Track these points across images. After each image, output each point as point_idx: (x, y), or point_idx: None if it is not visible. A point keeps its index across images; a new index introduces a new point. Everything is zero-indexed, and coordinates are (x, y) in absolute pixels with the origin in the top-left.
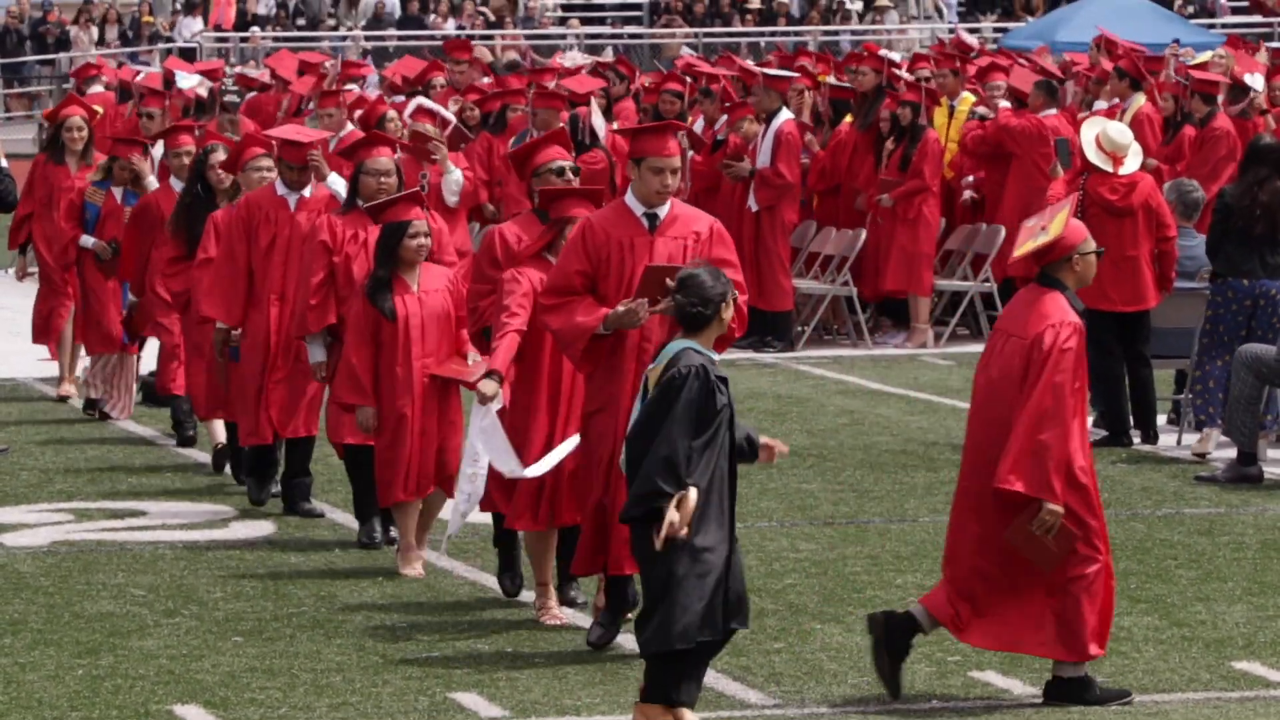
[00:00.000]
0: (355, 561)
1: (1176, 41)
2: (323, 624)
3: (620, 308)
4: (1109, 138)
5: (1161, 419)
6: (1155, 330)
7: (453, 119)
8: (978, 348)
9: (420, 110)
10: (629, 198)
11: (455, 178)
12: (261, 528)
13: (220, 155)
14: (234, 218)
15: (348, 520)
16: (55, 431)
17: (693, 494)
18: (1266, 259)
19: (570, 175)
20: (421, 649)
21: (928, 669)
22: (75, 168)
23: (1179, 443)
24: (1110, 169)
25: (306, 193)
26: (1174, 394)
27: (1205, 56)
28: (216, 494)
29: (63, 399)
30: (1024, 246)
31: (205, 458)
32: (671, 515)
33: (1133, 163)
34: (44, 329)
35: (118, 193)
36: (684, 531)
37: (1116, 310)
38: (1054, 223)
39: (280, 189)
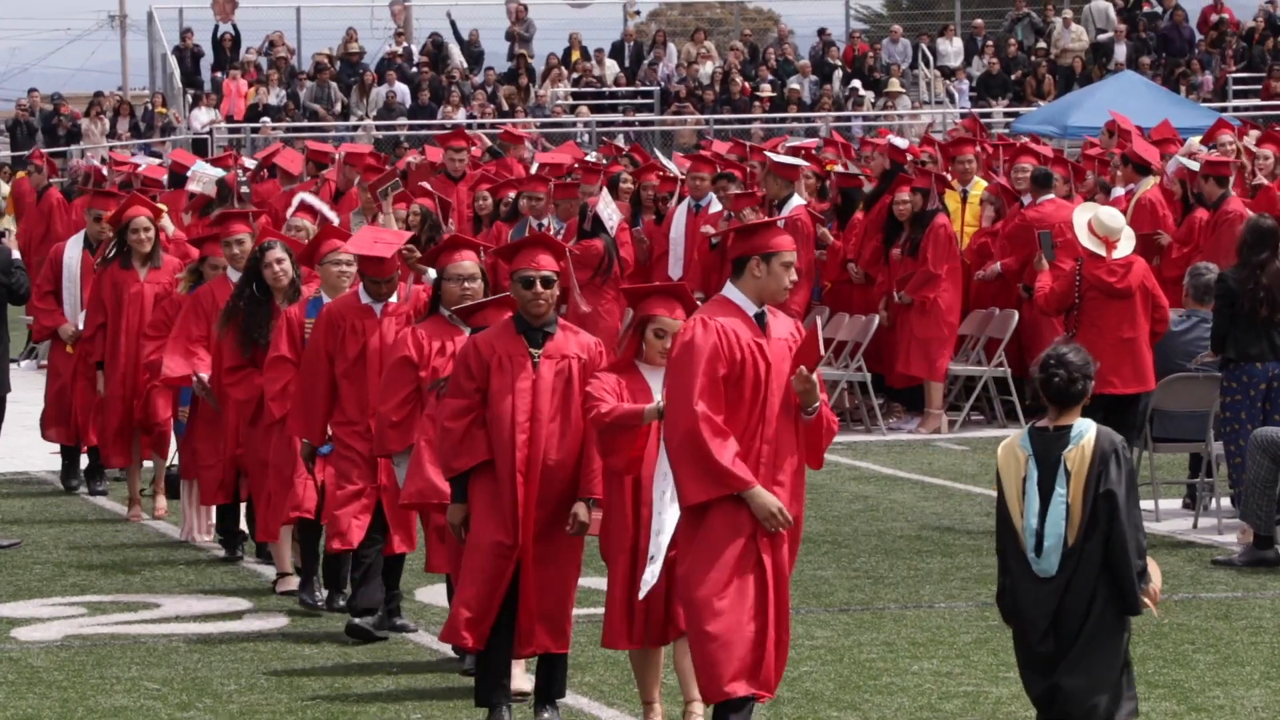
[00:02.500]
0: (369, 654)
1: (1244, 124)
2: (337, 717)
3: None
4: (1101, 222)
5: (1176, 503)
6: (1167, 413)
7: (334, 218)
8: (992, 433)
9: (302, 206)
10: (736, 295)
11: None
12: (275, 620)
13: (278, 252)
14: (317, 326)
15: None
16: (68, 525)
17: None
18: (1275, 341)
19: (540, 287)
20: None
21: None
22: (144, 272)
23: (1195, 526)
24: (1104, 253)
25: (393, 298)
26: (1188, 478)
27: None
28: (230, 586)
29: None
30: None
31: (219, 550)
32: (1157, 582)
33: (1126, 246)
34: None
35: None
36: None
37: (1117, 393)
38: None
39: (364, 298)
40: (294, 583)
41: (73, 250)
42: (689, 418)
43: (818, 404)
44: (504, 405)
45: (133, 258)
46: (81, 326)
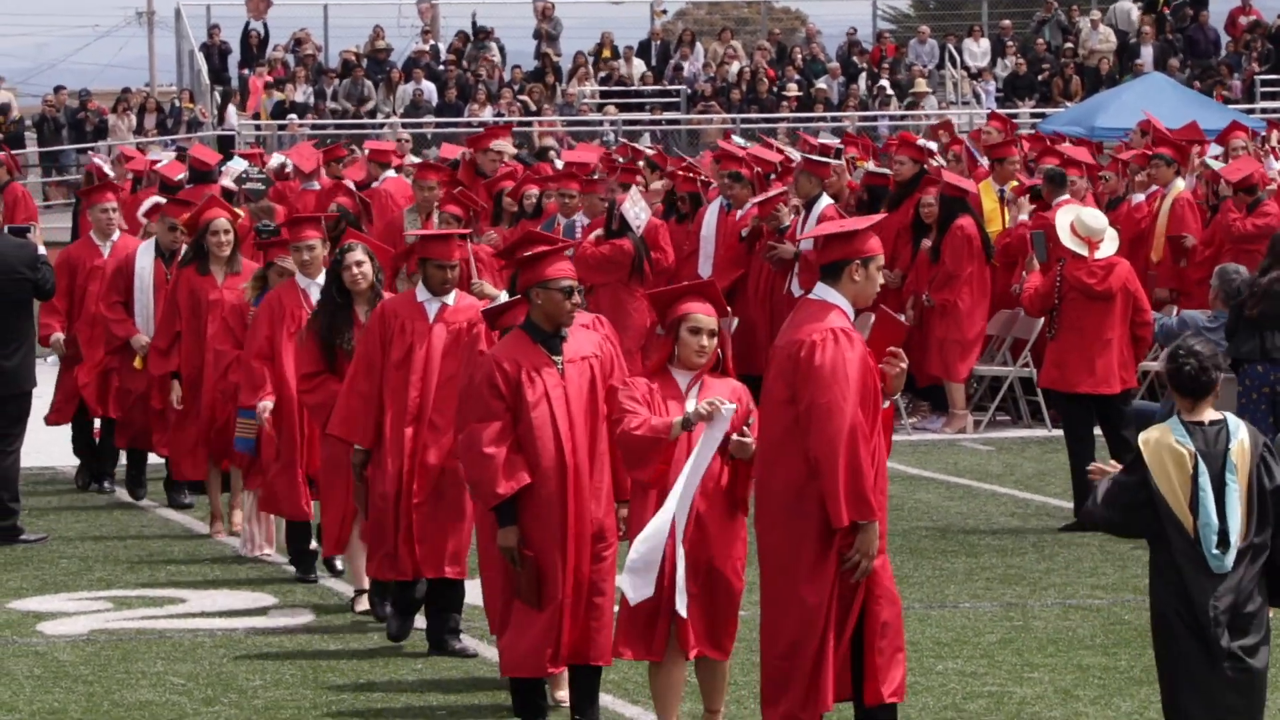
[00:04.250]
0: (393, 649)
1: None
2: (361, 711)
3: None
4: (1083, 223)
5: None
6: None
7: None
8: (1017, 433)
9: (157, 207)
10: (837, 299)
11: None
12: (300, 616)
13: (358, 255)
14: (370, 324)
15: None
16: (94, 520)
17: None
18: (1268, 342)
19: (577, 297)
20: None
21: None
22: (221, 277)
23: None
24: (1085, 253)
25: (450, 299)
26: None
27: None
28: (255, 582)
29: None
30: None
31: (261, 553)
32: None
33: (1109, 247)
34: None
35: None
36: None
37: (1093, 393)
38: None
39: (421, 294)
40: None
41: (144, 259)
42: (852, 435)
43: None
44: (543, 418)
45: (210, 262)
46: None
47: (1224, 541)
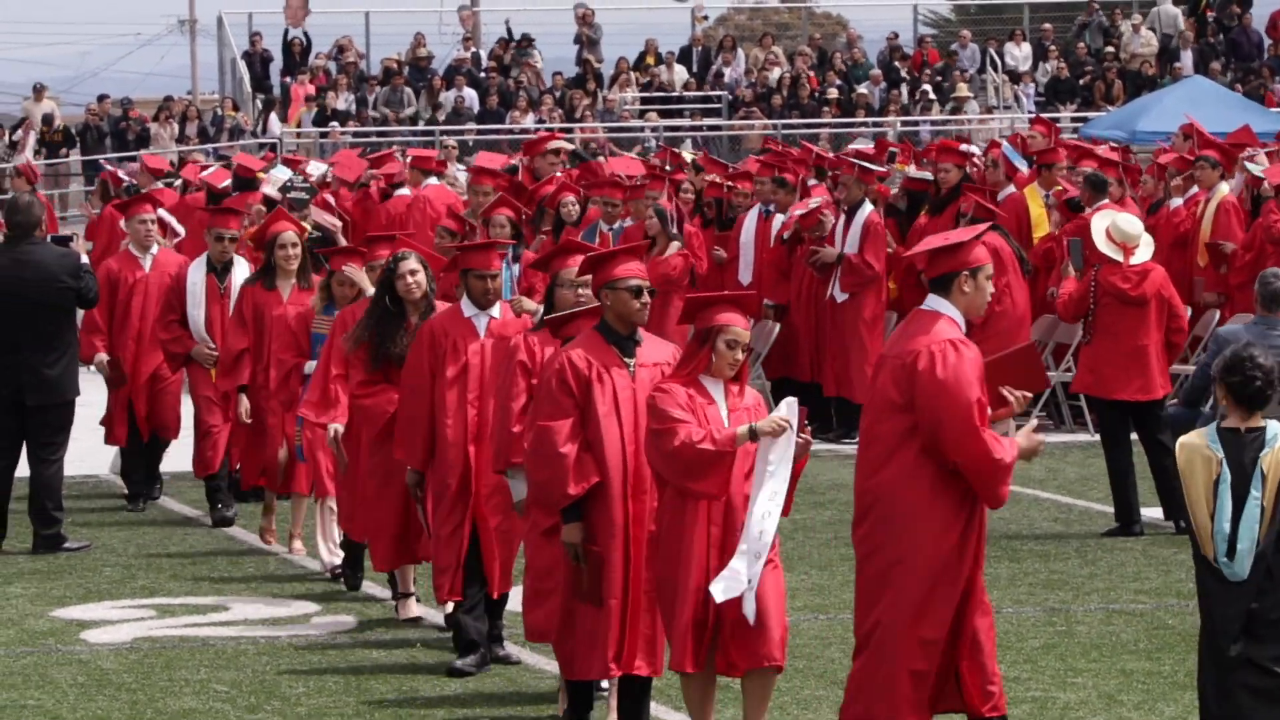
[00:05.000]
0: (437, 656)
1: None
2: (405, 719)
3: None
4: (1119, 228)
5: None
6: None
7: (183, 231)
8: (1061, 438)
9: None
10: (951, 310)
11: None
12: (344, 623)
13: (411, 264)
14: (418, 342)
15: (428, 613)
16: (137, 528)
17: None
18: None
19: (648, 296)
20: None
21: None
22: (288, 292)
23: None
24: (1121, 259)
25: (496, 312)
26: None
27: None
28: (299, 590)
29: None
30: None
31: (287, 552)
32: None
33: (1144, 252)
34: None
35: None
36: None
37: (1129, 400)
38: None
39: (467, 309)
40: (415, 608)
41: (195, 274)
42: (986, 453)
43: None
44: (610, 417)
45: (277, 277)
46: (212, 347)
47: (1232, 550)
